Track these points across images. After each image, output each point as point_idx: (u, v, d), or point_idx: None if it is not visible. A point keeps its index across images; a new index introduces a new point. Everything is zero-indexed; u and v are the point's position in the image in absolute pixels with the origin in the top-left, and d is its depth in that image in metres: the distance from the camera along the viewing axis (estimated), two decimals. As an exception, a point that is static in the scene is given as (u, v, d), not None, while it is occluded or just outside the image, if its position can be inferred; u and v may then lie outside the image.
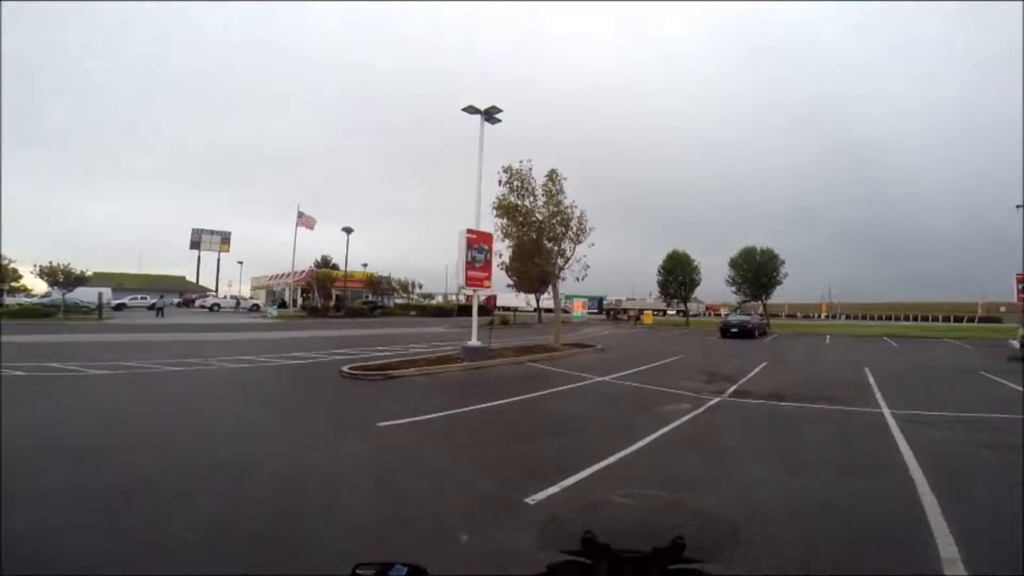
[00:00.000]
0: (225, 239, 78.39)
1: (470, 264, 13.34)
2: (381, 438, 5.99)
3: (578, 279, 17.40)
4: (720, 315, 65.39)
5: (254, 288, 64.44)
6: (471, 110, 14.25)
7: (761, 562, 2.97)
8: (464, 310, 31.14)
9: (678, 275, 39.34)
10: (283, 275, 49.78)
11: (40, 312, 27.37)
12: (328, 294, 44.50)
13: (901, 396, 9.60)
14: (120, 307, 43.90)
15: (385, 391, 9.13)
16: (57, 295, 30.29)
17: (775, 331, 33.18)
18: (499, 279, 41.27)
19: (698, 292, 43.55)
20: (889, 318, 62.36)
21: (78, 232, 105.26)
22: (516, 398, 8.57)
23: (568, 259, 17.03)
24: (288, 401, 8.27)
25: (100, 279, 57.94)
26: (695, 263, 39.70)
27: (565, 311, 41.09)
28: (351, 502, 4.06)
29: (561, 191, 16.47)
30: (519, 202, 16.05)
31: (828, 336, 29.63)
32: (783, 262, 38.77)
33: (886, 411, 8.32)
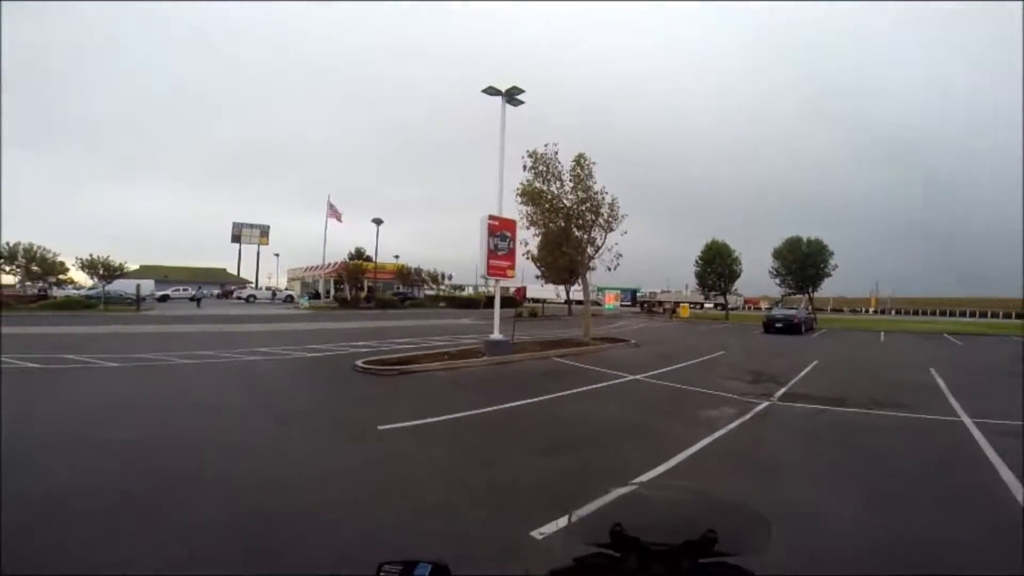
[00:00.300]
0: (264, 232, 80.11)
1: (492, 252, 12.55)
2: (377, 445, 5.30)
3: (610, 269, 16.43)
4: (760, 309, 62.85)
5: (290, 280, 65.96)
6: (491, 91, 13.42)
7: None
8: (493, 301, 30.62)
9: (717, 266, 37.39)
10: (316, 267, 50.50)
11: (82, 304, 28.34)
12: (359, 285, 44.75)
13: (979, 401, 8.38)
14: (164, 298, 45.50)
15: (397, 388, 8.49)
16: (114, 287, 31.54)
17: (822, 326, 31.14)
18: (528, 270, 40.55)
19: (736, 285, 41.29)
20: (943, 313, 58.28)
21: (127, 226, 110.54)
22: (537, 399, 7.75)
23: (599, 248, 16.07)
24: (289, 398, 7.71)
25: (147, 272, 60.74)
26: (735, 254, 37.65)
27: (596, 303, 39.88)
28: (306, 527, 3.36)
29: (590, 176, 15.49)
30: (545, 188, 15.17)
31: (882, 332, 27.50)
32: (832, 253, 36.35)
33: (966, 419, 7.21)
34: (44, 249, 30.88)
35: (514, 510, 3.72)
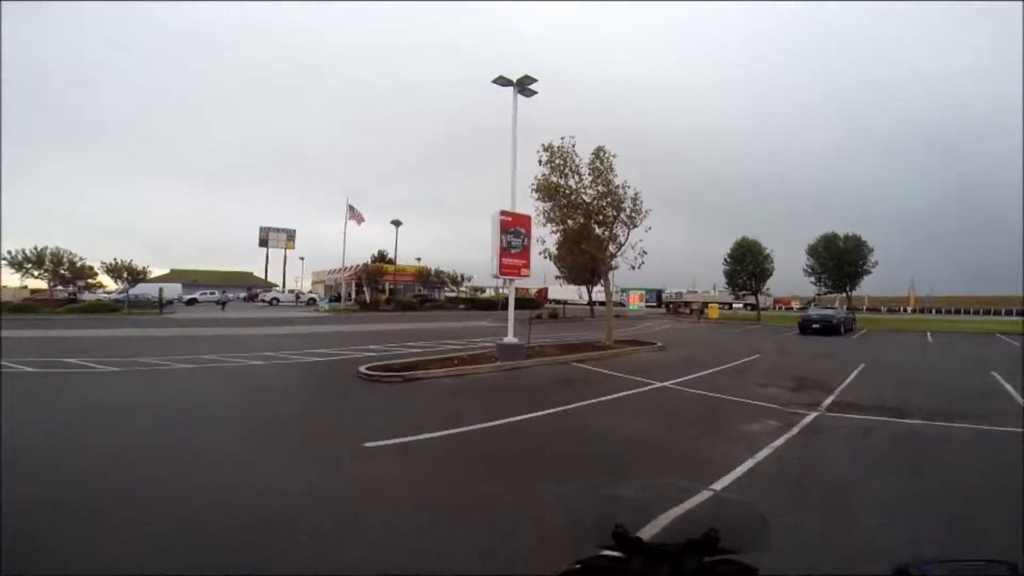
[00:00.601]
0: (290, 236, 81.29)
1: (505, 250, 11.73)
2: (357, 466, 4.57)
3: (633, 267, 15.42)
4: (791, 309, 60.49)
5: (314, 283, 66.58)
6: (502, 81, 12.61)
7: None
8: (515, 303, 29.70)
9: (748, 264, 35.70)
10: (337, 270, 50.68)
11: (108, 307, 28.72)
12: (380, 288, 44.59)
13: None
14: (192, 302, 46.18)
15: (397, 397, 7.77)
16: (139, 290, 32.25)
17: (862, 326, 29.34)
18: (550, 270, 39.68)
19: (767, 284, 39.27)
20: (987, 312, 54.86)
21: (159, 230, 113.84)
22: (550, 411, 6.90)
23: (621, 245, 15.12)
24: (277, 408, 7.06)
25: (178, 275, 62.36)
26: (767, 251, 35.87)
27: (620, 304, 38.65)
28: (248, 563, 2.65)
29: (611, 169, 14.59)
30: (562, 182, 14.33)
31: (928, 332, 25.66)
32: (872, 249, 34.41)
33: (1055, 433, 6.09)
34: (71, 253, 31.58)
35: (507, 558, 2.92)
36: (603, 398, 7.83)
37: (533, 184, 14.36)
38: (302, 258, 73.85)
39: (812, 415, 6.93)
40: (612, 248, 15.21)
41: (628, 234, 15.13)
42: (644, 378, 9.63)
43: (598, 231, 15.28)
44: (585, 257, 17.11)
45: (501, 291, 45.55)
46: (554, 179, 14.31)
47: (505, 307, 12.71)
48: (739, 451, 5.17)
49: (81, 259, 31.72)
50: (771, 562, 0.87)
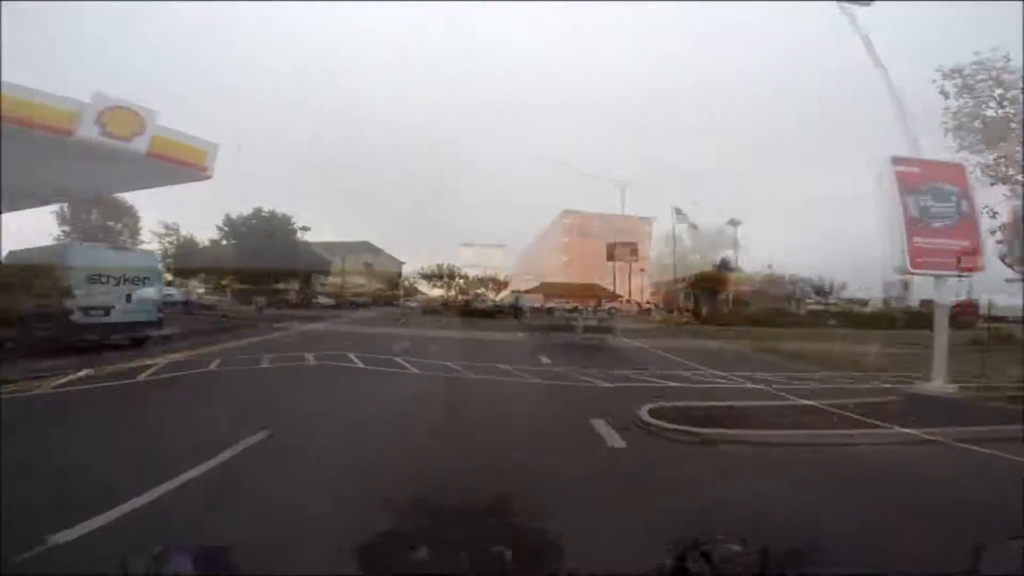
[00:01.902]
0: (633, 250, 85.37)
1: (913, 223, 6.38)
2: None
3: None
4: None
5: (652, 292, 67.40)
6: None
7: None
8: (918, 320, 19.99)
9: None
10: (672, 279, 49.17)
11: (484, 312, 35.95)
12: (723, 298, 39.91)
13: None
14: (550, 311, 53.35)
15: (676, 478, 4.36)
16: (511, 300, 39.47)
17: None
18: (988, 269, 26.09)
19: None
20: None
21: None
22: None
23: None
24: (456, 478, 4.36)
25: (544, 288, 74.17)
26: None
27: None
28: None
29: None
30: (1012, 112, 7.85)
31: None
32: None
33: None
34: (459, 269, 40.76)
35: None
36: None
37: (947, 123, 8.29)
38: (643, 269, 75.83)
39: None
40: None
41: None
42: None
43: None
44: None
45: (912, 303, 32.19)
46: (989, 112, 7.95)
47: (912, 325, 7.17)
48: None
49: (464, 273, 40.96)
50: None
